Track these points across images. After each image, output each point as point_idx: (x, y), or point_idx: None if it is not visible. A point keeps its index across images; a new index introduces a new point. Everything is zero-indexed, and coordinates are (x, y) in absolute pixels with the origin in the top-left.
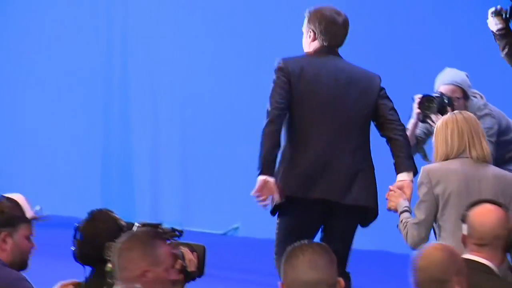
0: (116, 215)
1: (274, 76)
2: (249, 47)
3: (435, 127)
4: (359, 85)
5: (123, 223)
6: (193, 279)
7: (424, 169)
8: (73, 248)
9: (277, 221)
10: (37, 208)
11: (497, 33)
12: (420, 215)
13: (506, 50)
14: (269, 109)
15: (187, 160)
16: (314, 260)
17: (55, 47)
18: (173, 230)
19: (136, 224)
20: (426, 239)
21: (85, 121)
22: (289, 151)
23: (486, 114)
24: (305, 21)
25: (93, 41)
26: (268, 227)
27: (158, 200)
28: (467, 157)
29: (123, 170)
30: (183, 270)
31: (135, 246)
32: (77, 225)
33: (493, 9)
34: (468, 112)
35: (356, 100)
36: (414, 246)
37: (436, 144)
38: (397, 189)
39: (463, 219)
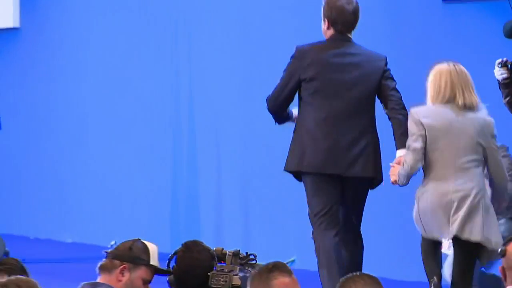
0: (207, 245)
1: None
2: None
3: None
4: (364, 67)
5: (213, 252)
6: None
7: (412, 109)
8: (169, 277)
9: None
10: (112, 242)
11: (501, 82)
12: (416, 144)
13: (508, 98)
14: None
15: (248, 199)
16: None
17: (121, 90)
18: (248, 255)
19: (226, 251)
20: (421, 164)
21: (154, 161)
22: (305, 132)
23: None
24: (322, 10)
25: (161, 86)
26: None
27: (221, 236)
28: (454, 104)
29: (190, 207)
30: None
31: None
32: (172, 255)
33: (499, 60)
34: (461, 65)
35: (359, 82)
36: (411, 170)
37: (429, 90)
38: (396, 164)
39: (502, 254)
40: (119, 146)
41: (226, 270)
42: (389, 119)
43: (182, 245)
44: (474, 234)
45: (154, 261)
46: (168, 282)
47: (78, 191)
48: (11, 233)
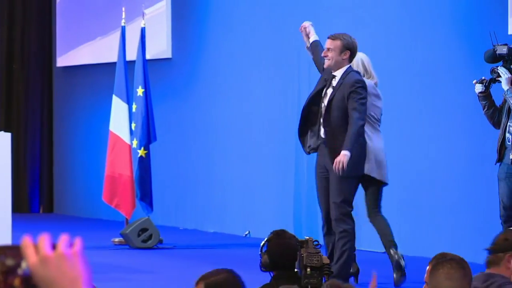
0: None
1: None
2: None
3: None
4: None
5: (297, 238)
6: None
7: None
8: (263, 260)
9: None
10: (246, 232)
11: (479, 95)
12: None
13: (485, 109)
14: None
15: None
16: (450, 273)
17: (255, 105)
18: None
19: (307, 238)
20: None
21: (281, 163)
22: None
23: None
24: (342, 42)
25: (284, 96)
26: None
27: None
28: None
29: (309, 204)
30: None
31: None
32: (265, 242)
33: (476, 80)
34: None
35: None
36: None
37: None
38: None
39: None
40: (254, 153)
41: (315, 252)
42: None
43: (272, 233)
44: None
45: None
46: (260, 265)
47: (218, 190)
48: (165, 225)
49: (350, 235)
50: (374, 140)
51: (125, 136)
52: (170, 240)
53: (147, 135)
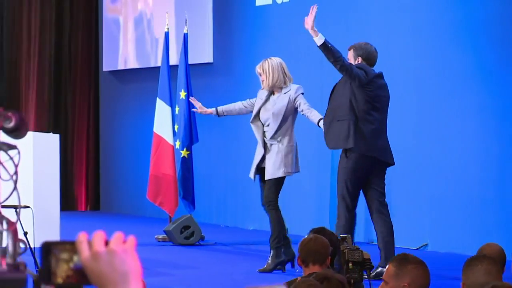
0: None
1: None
2: None
3: None
4: None
5: (337, 236)
6: None
7: None
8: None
9: None
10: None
11: None
12: None
13: None
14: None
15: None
16: (488, 269)
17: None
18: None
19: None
20: None
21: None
22: None
23: None
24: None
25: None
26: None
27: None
28: None
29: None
30: None
31: None
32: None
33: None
34: None
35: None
36: None
37: None
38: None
39: None
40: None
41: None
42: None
43: (311, 230)
44: None
45: None
46: (297, 261)
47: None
48: (206, 222)
49: None
50: None
51: (169, 137)
52: (211, 237)
53: (190, 136)
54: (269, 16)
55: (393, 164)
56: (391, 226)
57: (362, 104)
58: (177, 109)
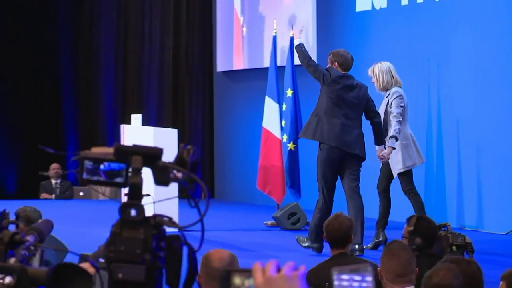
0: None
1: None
2: None
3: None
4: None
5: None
6: None
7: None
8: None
9: None
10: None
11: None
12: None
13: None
14: None
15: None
16: None
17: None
18: None
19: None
20: None
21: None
22: None
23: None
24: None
25: None
26: None
27: (461, 205)
28: None
29: None
30: None
31: None
32: (412, 226)
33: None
34: None
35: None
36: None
37: None
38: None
39: None
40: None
41: (458, 233)
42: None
43: (413, 217)
44: None
45: None
46: (415, 247)
47: None
48: (311, 209)
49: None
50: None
51: (277, 132)
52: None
53: (296, 131)
54: (369, 19)
55: (362, 156)
56: (361, 208)
57: (326, 101)
58: (284, 106)
